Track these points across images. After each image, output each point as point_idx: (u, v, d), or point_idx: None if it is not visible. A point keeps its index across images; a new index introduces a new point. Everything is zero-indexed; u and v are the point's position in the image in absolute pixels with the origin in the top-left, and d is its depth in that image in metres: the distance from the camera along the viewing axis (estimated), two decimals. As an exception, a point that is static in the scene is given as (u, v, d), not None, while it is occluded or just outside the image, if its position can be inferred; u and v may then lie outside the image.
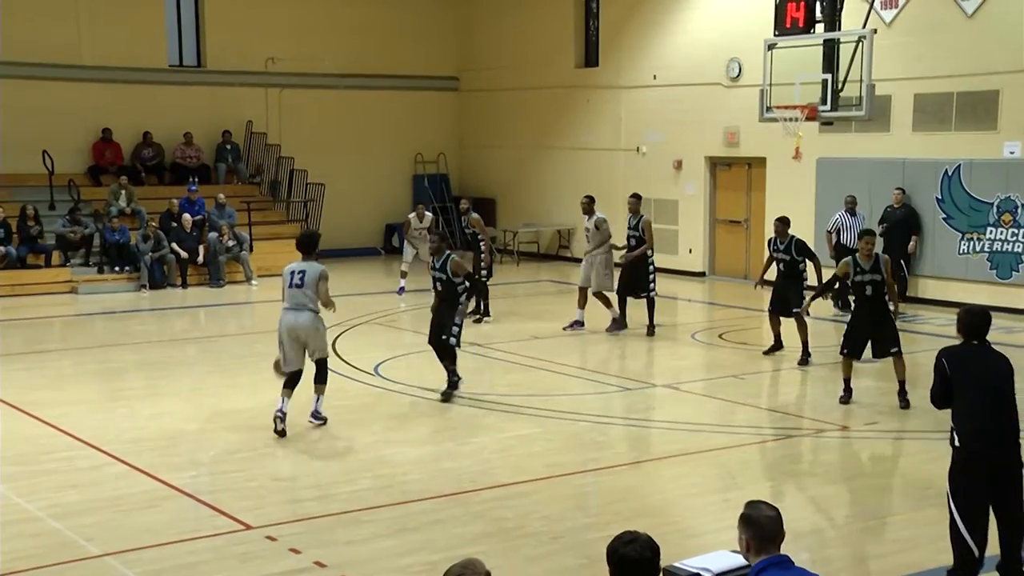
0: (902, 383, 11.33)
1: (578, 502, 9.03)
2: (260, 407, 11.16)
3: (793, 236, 13.87)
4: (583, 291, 15.84)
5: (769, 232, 20.40)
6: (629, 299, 15.68)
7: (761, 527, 4.59)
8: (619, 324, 15.63)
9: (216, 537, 7.94)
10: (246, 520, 8.21)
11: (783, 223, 13.89)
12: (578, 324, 15.84)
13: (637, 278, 15.53)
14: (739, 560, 4.93)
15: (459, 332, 11.85)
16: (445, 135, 27.10)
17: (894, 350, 11.36)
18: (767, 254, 14.20)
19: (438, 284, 11.95)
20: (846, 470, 9.86)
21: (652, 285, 15.51)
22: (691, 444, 10.43)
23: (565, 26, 24.45)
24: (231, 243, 21.07)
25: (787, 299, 13.67)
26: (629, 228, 15.62)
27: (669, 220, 22.33)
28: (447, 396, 11.82)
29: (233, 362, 14.43)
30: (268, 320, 18.46)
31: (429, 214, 19.98)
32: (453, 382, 11.90)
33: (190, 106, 23.68)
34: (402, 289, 19.39)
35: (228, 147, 24.14)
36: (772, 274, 14.12)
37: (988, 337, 6.82)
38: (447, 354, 11.87)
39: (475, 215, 17.38)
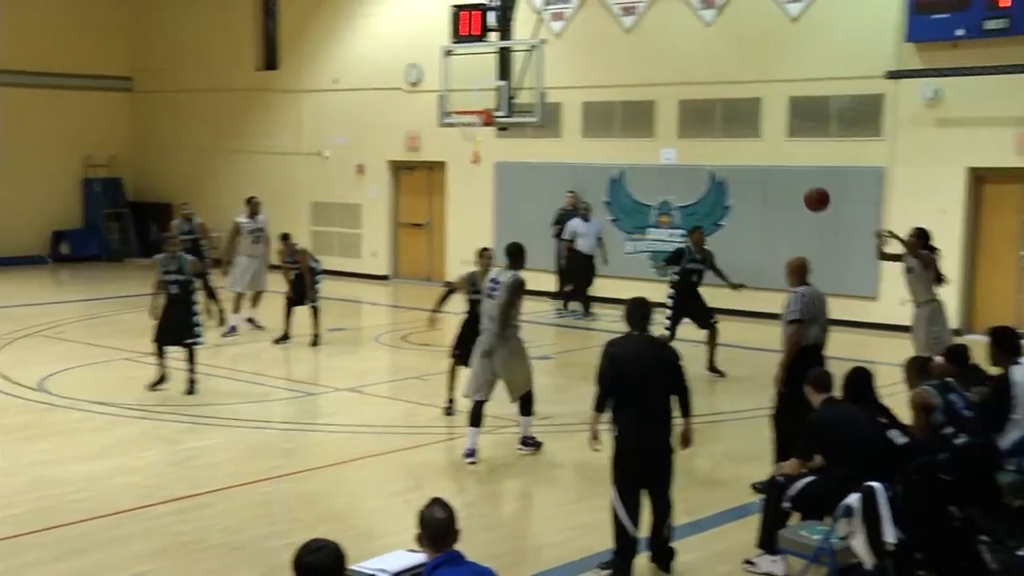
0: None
1: (260, 511, 8.84)
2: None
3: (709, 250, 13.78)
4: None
5: (451, 235, 20.96)
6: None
7: (429, 527, 4.71)
8: (234, 330, 15.74)
9: None
10: None
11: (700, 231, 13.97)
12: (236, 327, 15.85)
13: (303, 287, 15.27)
14: (416, 558, 5.02)
15: (201, 331, 12.40)
16: (118, 137, 25.87)
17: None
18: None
19: (174, 287, 12.13)
20: (524, 464, 10.19)
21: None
22: (376, 446, 10.48)
23: (244, 28, 23.96)
24: None
25: None
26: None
27: (353, 224, 22.37)
28: (191, 390, 12.15)
29: None
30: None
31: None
32: (194, 380, 12.20)
33: None
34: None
35: None
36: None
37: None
38: (192, 356, 12.16)
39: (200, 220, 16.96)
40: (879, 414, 7.33)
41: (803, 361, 8.50)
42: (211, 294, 16.25)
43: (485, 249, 11.08)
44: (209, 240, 16.68)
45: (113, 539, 7.89)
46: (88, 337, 16.08)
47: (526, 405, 10.11)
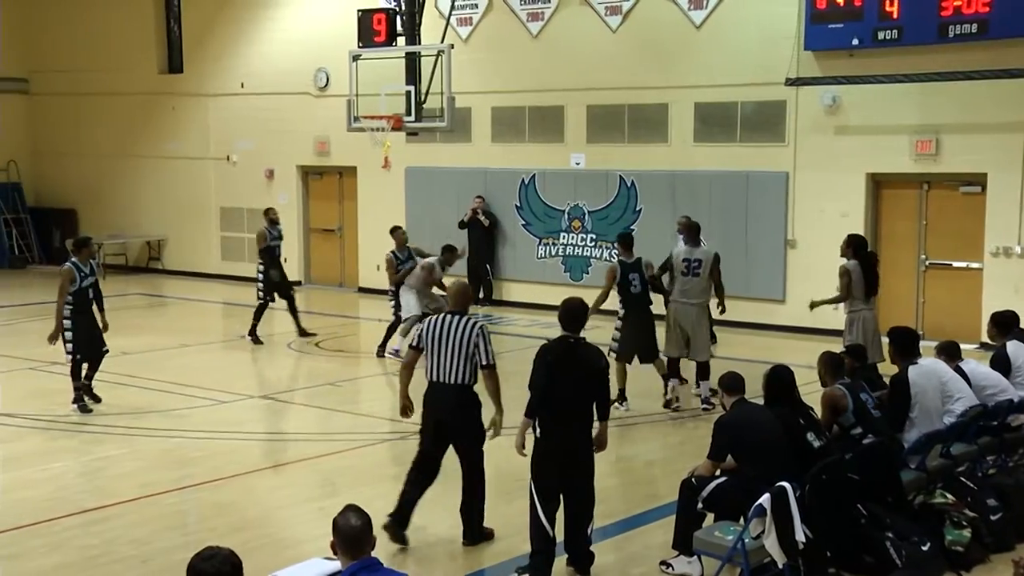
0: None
1: (171, 522, 8.68)
2: None
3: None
4: None
5: (364, 240, 20.80)
6: None
7: (343, 534, 4.68)
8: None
9: None
10: None
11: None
12: None
13: None
14: (332, 566, 4.98)
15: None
16: (15, 141, 25.14)
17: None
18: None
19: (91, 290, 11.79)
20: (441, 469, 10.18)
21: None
22: (289, 454, 10.39)
23: (146, 30, 23.52)
24: None
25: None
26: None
27: (262, 230, 22.09)
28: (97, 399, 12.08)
29: None
30: None
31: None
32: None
33: None
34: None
35: None
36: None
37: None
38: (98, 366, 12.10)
39: None
40: (799, 415, 7.34)
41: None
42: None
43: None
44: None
45: (15, 555, 7.71)
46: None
47: (704, 370, 11.75)
